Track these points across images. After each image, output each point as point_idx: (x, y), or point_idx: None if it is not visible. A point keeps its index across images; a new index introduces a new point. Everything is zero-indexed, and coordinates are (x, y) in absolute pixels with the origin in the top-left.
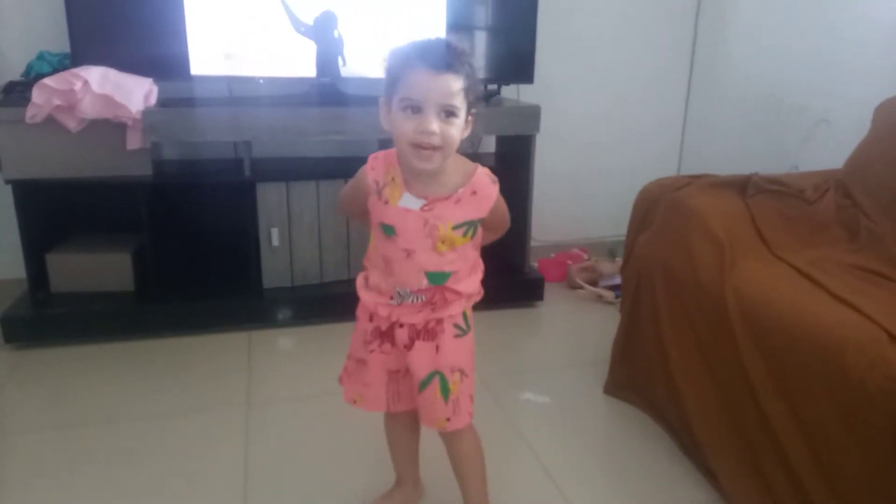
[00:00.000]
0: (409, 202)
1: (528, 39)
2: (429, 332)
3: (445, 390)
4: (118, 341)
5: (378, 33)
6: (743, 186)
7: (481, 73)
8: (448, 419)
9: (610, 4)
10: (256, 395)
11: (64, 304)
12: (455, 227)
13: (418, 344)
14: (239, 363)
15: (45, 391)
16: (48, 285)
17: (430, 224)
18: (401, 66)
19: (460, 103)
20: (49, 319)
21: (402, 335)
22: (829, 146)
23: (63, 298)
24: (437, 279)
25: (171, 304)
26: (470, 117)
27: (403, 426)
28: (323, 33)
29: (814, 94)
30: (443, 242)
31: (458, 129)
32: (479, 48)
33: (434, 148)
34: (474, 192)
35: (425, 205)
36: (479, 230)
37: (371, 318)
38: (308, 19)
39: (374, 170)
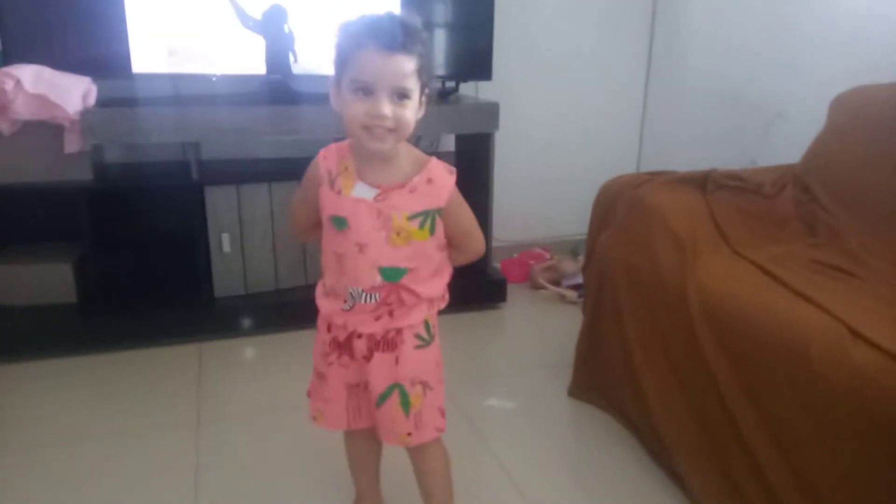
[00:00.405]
0: (363, 191)
1: (485, 35)
2: (388, 343)
3: (406, 403)
4: (61, 357)
5: (330, 28)
6: (702, 183)
7: (438, 71)
8: (409, 434)
9: (567, 4)
10: (208, 412)
11: (1, 318)
12: (410, 218)
13: (377, 356)
14: (189, 378)
15: None
16: None
17: (384, 215)
18: (351, 45)
19: (413, 84)
20: None
21: (360, 346)
22: (786, 141)
23: (0, 313)
24: (392, 275)
25: (117, 316)
26: (424, 98)
27: (364, 442)
28: (272, 28)
29: (770, 90)
30: (398, 235)
31: (411, 111)
32: (436, 45)
33: (387, 129)
34: (430, 181)
35: (379, 194)
36: (440, 226)
37: (329, 329)
38: (256, 14)
39: (327, 159)
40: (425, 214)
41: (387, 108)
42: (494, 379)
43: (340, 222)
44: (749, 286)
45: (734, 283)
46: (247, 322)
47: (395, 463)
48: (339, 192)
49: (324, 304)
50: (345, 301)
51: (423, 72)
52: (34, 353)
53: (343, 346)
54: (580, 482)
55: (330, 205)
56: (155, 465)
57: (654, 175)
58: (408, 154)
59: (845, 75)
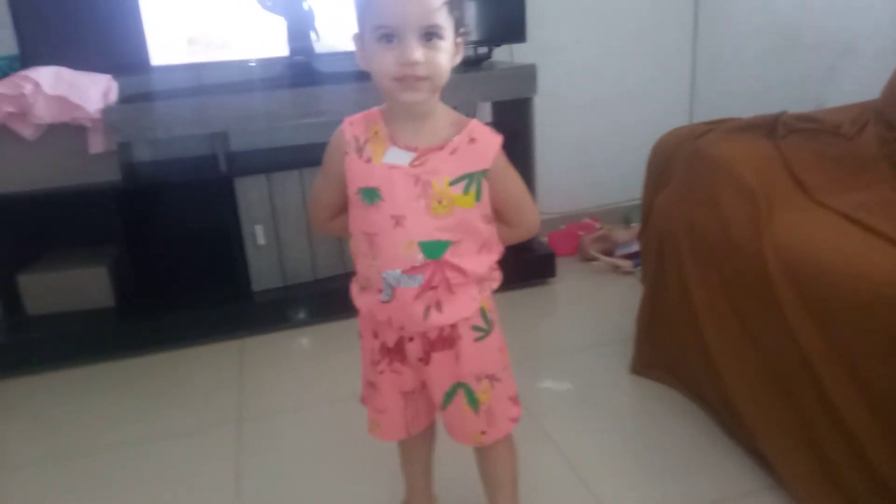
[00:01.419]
0: (396, 157)
1: None
2: (444, 341)
3: (474, 401)
4: (101, 362)
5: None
6: (771, 128)
7: (470, 36)
8: (483, 432)
9: None
10: (249, 409)
11: (41, 327)
12: (453, 182)
13: (435, 356)
14: (230, 374)
15: (25, 424)
16: (23, 308)
17: (423, 181)
18: None
19: (444, 22)
20: (26, 345)
21: (413, 349)
22: (856, 79)
23: (40, 321)
24: (434, 251)
25: (155, 316)
26: (459, 39)
27: (417, 437)
28: (292, 7)
29: (835, 24)
30: (439, 203)
31: (446, 55)
32: (466, 10)
33: (420, 78)
34: (473, 140)
35: (415, 158)
36: (486, 192)
37: (376, 335)
38: None
39: (354, 125)
40: (469, 178)
41: (418, 53)
42: (548, 359)
43: (372, 194)
44: (835, 239)
45: (817, 237)
46: (286, 315)
47: (447, 458)
48: (368, 160)
49: (361, 301)
50: (380, 291)
51: (454, 7)
52: (76, 359)
53: (394, 352)
54: (649, 466)
55: (358, 175)
56: (196, 465)
57: (714, 124)
58: (445, 113)
59: None
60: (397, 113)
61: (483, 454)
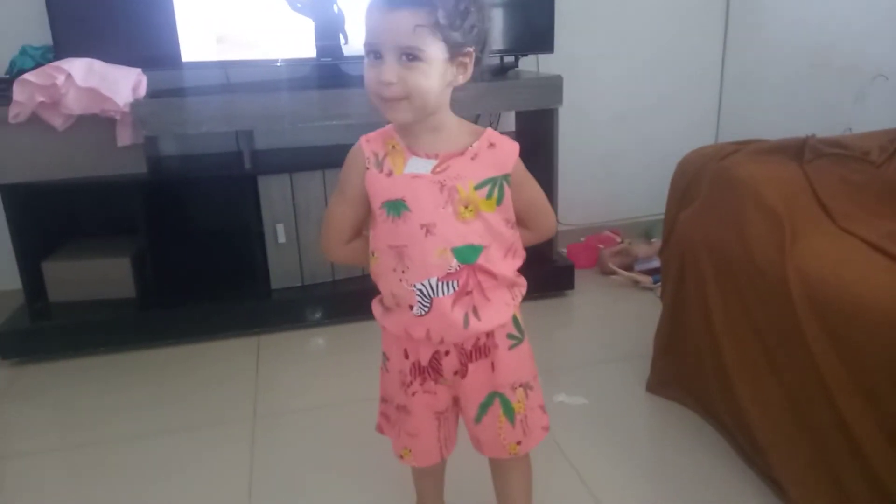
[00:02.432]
0: (418, 166)
1: (546, 5)
2: (480, 350)
3: (510, 412)
4: (120, 352)
5: None
6: (799, 151)
7: (498, 45)
8: (519, 442)
9: None
10: (265, 406)
11: (63, 314)
12: (478, 187)
13: (472, 367)
14: (246, 371)
15: (44, 410)
16: (46, 295)
17: (448, 186)
18: (366, 9)
19: (424, 44)
20: (48, 332)
21: (450, 363)
22: (886, 104)
23: (62, 308)
24: (467, 255)
25: (175, 309)
26: (465, 59)
27: None
28: (321, 9)
29: (868, 47)
30: (466, 207)
31: (425, 75)
32: (493, 18)
33: (397, 98)
34: (492, 144)
35: (437, 165)
36: (508, 196)
37: (406, 355)
38: None
39: (371, 142)
40: (493, 182)
41: (390, 73)
42: (564, 372)
43: (398, 206)
44: (859, 267)
45: (841, 265)
46: (304, 314)
47: (458, 468)
48: (390, 173)
49: (391, 321)
50: (414, 305)
51: (446, 27)
52: (96, 347)
53: (427, 370)
54: (661, 487)
55: (382, 189)
56: (210, 461)
57: (741, 144)
58: (458, 124)
59: None
60: (411, 126)
61: (500, 469)
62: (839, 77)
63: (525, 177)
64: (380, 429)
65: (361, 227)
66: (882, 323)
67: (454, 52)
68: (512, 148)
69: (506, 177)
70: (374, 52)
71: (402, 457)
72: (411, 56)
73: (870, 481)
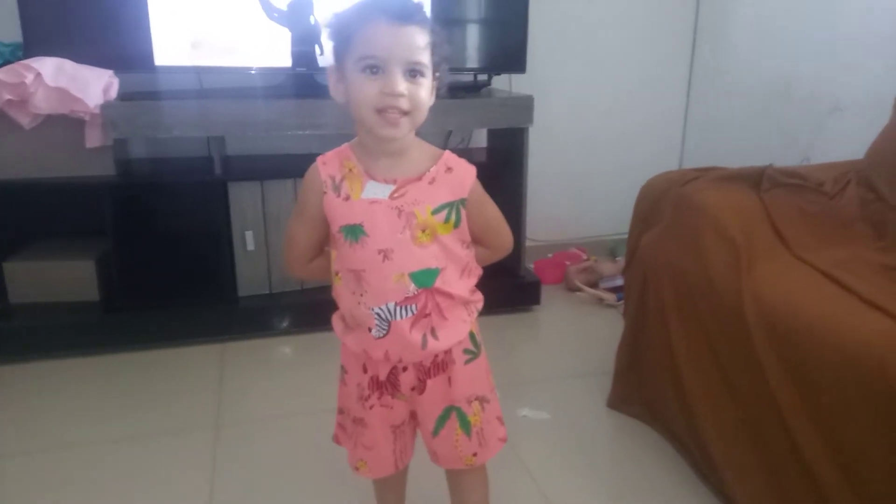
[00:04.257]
0: (376, 191)
1: (519, 26)
2: (438, 366)
3: (466, 425)
4: (82, 356)
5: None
6: (757, 180)
7: (472, 63)
8: (475, 454)
9: None
10: (227, 415)
11: (23, 316)
12: (435, 212)
13: (430, 383)
14: (210, 379)
15: (1, 414)
16: (6, 296)
17: (406, 212)
18: (356, 20)
19: (428, 61)
20: (7, 333)
21: (407, 379)
22: (843, 136)
23: (22, 310)
24: (425, 280)
25: (139, 314)
26: (435, 81)
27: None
28: (298, 20)
29: (825, 81)
30: (423, 231)
31: (426, 91)
32: (468, 36)
33: (402, 112)
34: (449, 169)
35: (395, 190)
36: (465, 219)
37: (365, 369)
38: (282, 4)
39: (327, 164)
40: (450, 206)
41: (402, 85)
42: (527, 387)
43: (355, 231)
44: (812, 294)
45: (795, 291)
46: (270, 322)
47: (419, 481)
48: (347, 198)
49: (350, 339)
50: (373, 328)
51: (436, 49)
52: (57, 351)
53: (385, 385)
54: (620, 502)
55: (339, 214)
56: (170, 470)
57: (703, 171)
58: (419, 148)
59: None
60: (371, 149)
61: (457, 480)
62: (798, 108)
63: (482, 199)
64: (336, 439)
65: (323, 245)
66: (831, 349)
67: (434, 72)
68: (468, 172)
69: (462, 201)
70: (375, 65)
71: (357, 468)
72: (416, 72)
73: (820, 500)
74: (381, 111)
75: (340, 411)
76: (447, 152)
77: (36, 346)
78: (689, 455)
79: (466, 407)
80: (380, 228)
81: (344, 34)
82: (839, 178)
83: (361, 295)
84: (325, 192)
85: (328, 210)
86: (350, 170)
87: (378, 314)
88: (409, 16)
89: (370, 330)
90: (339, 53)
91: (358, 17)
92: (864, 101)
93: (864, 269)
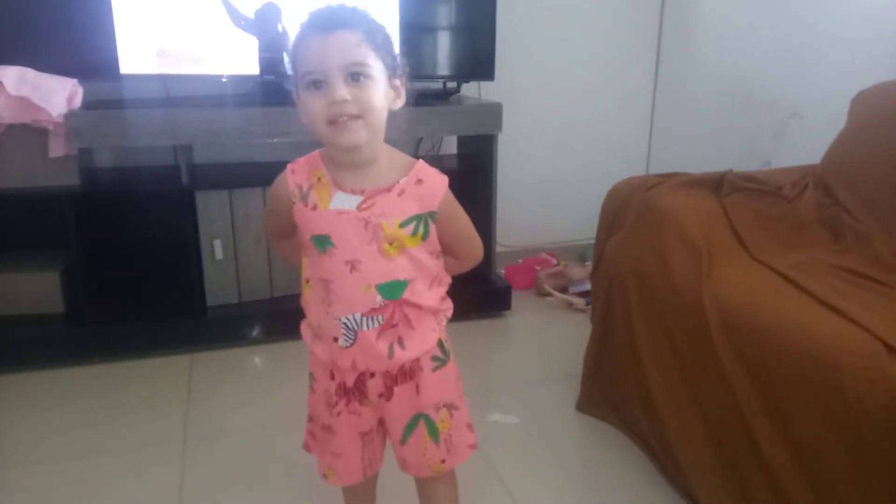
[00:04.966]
0: (343, 202)
1: (488, 34)
2: (406, 374)
3: (434, 432)
4: (45, 369)
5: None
6: (717, 185)
7: (441, 70)
8: (443, 461)
9: (572, 2)
10: (196, 428)
11: None
12: (402, 224)
13: (397, 390)
14: (178, 390)
15: None
16: None
17: (373, 224)
18: (295, 43)
19: (370, 59)
20: None
21: (375, 385)
22: (802, 141)
23: None
24: (392, 291)
25: (105, 325)
26: (398, 82)
27: (364, 481)
28: (265, 27)
29: (784, 88)
30: (391, 244)
31: (375, 93)
32: (438, 44)
33: (351, 117)
34: (420, 181)
35: (363, 201)
36: (433, 231)
37: (332, 375)
38: (249, 12)
39: (296, 173)
40: (418, 219)
41: (343, 91)
42: (498, 391)
43: (323, 241)
44: (770, 295)
45: (754, 293)
46: (240, 332)
47: (390, 489)
48: (314, 208)
49: (318, 347)
50: (339, 338)
51: (381, 48)
52: (19, 364)
53: (353, 392)
54: (588, 503)
55: (307, 224)
56: (138, 484)
57: (666, 177)
58: (390, 157)
59: (864, 73)
60: (339, 161)
61: (426, 488)
62: (759, 115)
63: (453, 211)
64: (306, 447)
65: (292, 228)
66: (789, 350)
67: (390, 73)
68: (439, 184)
69: (431, 214)
70: (317, 80)
71: (325, 476)
72: (358, 74)
73: (778, 496)
74: (332, 122)
75: (310, 419)
76: (420, 162)
77: None
78: (655, 457)
79: (434, 414)
80: (347, 240)
81: (291, 59)
82: (797, 182)
83: (329, 305)
84: (293, 203)
85: (298, 219)
86: (318, 178)
87: (345, 324)
88: (335, 23)
89: (336, 340)
90: (294, 78)
91: (296, 40)
92: (822, 107)
93: (821, 272)
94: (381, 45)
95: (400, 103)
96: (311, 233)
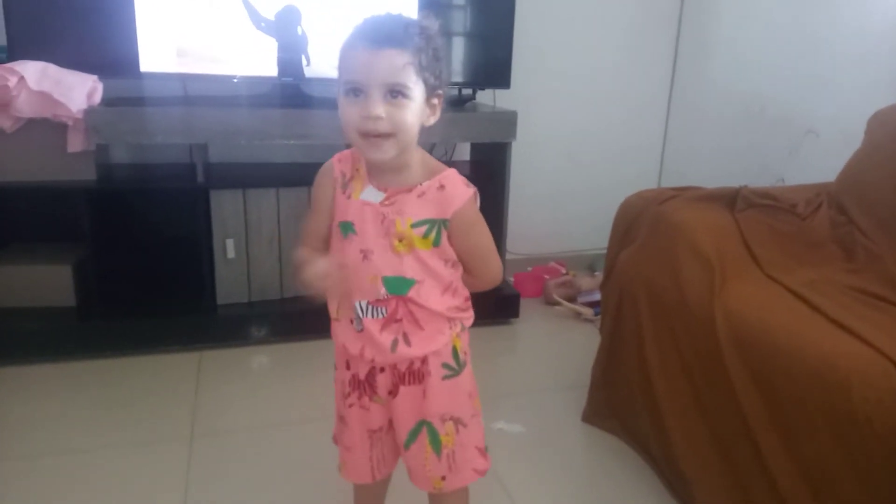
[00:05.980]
0: (370, 195)
1: (504, 43)
2: (413, 375)
3: (436, 443)
4: (57, 362)
5: (344, 31)
6: (731, 200)
7: (457, 77)
8: (443, 477)
9: (589, 13)
10: (203, 425)
11: None
12: (415, 225)
13: (403, 389)
14: (186, 388)
15: None
16: None
17: (388, 220)
18: (344, 47)
19: (411, 82)
20: None
21: (383, 380)
22: (816, 158)
23: None
24: (398, 287)
25: (116, 321)
26: (435, 100)
27: (374, 487)
28: (285, 30)
29: (800, 105)
30: (400, 241)
31: (411, 112)
32: (454, 51)
33: (382, 135)
34: (441, 187)
35: (385, 198)
36: (446, 240)
37: (348, 365)
38: (269, 14)
39: (342, 161)
40: (431, 223)
41: (379, 108)
42: (504, 399)
43: (347, 227)
44: (782, 313)
45: (766, 310)
46: (249, 331)
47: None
48: (349, 196)
49: (337, 330)
50: (353, 320)
51: (425, 69)
52: (30, 356)
53: (364, 384)
54: None
55: (340, 210)
56: (143, 481)
57: (680, 191)
58: (422, 161)
59: (880, 92)
60: (370, 164)
61: (436, 502)
62: (773, 131)
63: (469, 224)
64: (335, 439)
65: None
66: (799, 367)
67: (429, 93)
68: (460, 194)
69: (444, 221)
70: (356, 88)
71: (340, 468)
72: (397, 93)
73: None
74: (363, 135)
75: (336, 411)
76: (450, 170)
77: (10, 351)
78: (661, 469)
79: (439, 425)
80: (366, 229)
81: (339, 62)
82: (811, 199)
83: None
84: (335, 189)
85: (335, 207)
86: (358, 170)
87: (357, 308)
88: (385, 40)
89: (351, 322)
90: (339, 80)
91: (346, 44)
92: (837, 125)
93: (833, 290)
94: (427, 66)
95: (433, 120)
96: (340, 219)
